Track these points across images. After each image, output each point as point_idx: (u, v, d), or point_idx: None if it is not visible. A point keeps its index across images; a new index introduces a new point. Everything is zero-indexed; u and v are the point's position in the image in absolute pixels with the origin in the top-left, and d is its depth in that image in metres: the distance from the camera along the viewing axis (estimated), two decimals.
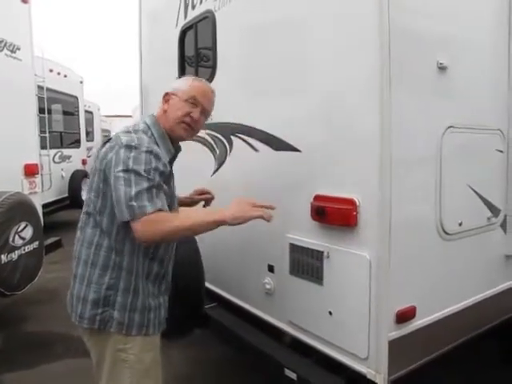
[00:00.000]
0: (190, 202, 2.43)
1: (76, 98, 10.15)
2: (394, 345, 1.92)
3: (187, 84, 2.00)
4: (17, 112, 4.67)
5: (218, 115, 2.77)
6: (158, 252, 1.92)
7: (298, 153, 2.26)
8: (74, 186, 9.40)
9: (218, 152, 2.95)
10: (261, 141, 2.51)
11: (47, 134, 7.46)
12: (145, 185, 1.68)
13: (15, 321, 4.54)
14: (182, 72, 3.36)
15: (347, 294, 2.01)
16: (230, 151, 2.82)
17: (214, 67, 2.97)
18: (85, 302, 1.81)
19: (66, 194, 9.26)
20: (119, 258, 1.82)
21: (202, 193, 2.45)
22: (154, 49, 3.99)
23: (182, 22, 3.35)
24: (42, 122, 6.69)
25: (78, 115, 10.32)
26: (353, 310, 1.99)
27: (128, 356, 1.83)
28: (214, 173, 2.98)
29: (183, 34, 3.36)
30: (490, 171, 2.48)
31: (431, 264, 2.15)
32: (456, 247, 2.25)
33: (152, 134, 1.90)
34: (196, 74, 3.13)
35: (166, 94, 2.00)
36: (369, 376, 1.91)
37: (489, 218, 2.45)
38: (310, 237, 2.19)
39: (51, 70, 8.37)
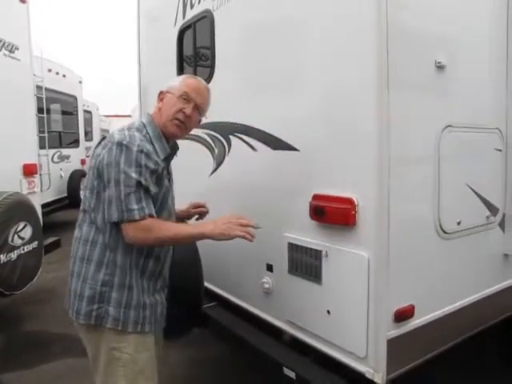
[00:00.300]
0: (186, 216, 2.42)
1: (75, 97, 10.13)
2: (392, 344, 1.92)
3: (180, 81, 2.02)
4: (16, 112, 4.67)
5: (216, 115, 2.77)
6: (153, 249, 1.94)
7: (296, 152, 2.26)
8: (73, 186, 9.38)
9: (216, 152, 2.95)
10: (259, 140, 2.51)
11: (46, 134, 7.45)
12: (133, 187, 1.73)
13: (14, 320, 4.54)
14: (181, 71, 3.36)
15: (346, 293, 2.01)
16: (229, 151, 2.81)
17: (212, 67, 2.96)
18: (81, 298, 1.84)
19: (65, 194, 9.25)
20: (113, 254, 1.85)
21: (198, 206, 2.44)
22: (152, 48, 3.99)
23: (180, 22, 3.35)
24: (40, 121, 6.69)
25: (76, 115, 10.30)
26: (351, 309, 1.99)
27: (122, 355, 1.85)
28: (213, 172, 2.98)
29: (182, 34, 3.36)
30: (489, 170, 2.48)
31: (430, 263, 2.15)
32: (454, 246, 2.25)
33: (147, 133, 1.92)
34: (195, 73, 3.13)
35: (161, 93, 2.03)
36: (367, 375, 1.91)
37: (487, 217, 2.45)
38: (309, 236, 2.19)
39: (50, 70, 8.35)
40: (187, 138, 2.96)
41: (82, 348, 2.02)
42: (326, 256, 2.09)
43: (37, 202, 4.75)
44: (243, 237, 1.82)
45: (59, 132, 9.34)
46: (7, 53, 4.48)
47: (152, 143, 1.90)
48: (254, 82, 2.63)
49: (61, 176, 9.06)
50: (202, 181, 3.04)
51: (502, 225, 2.56)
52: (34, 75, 5.51)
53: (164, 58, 3.63)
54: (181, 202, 2.29)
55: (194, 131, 2.93)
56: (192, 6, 3.17)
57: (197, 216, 2.45)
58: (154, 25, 3.90)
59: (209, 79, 2.91)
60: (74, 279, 1.88)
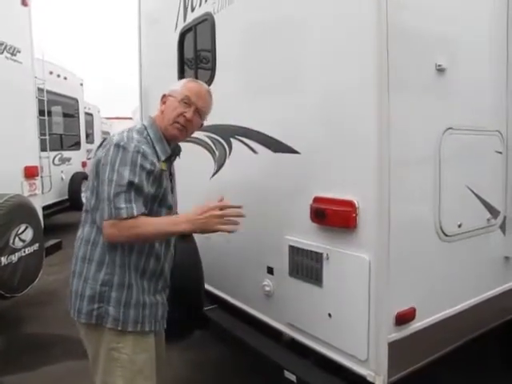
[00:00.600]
0: None
1: (76, 100, 10.14)
2: (393, 347, 1.92)
3: (182, 85, 2.04)
4: (17, 114, 4.67)
5: (217, 117, 2.77)
6: (153, 249, 1.95)
7: (296, 155, 2.26)
8: (74, 188, 9.39)
9: (217, 154, 2.95)
10: (260, 143, 2.51)
11: (47, 136, 7.46)
12: (124, 187, 1.75)
13: (15, 322, 4.54)
14: (182, 74, 3.37)
15: (347, 296, 2.01)
16: (230, 153, 2.82)
17: (213, 69, 2.97)
18: (82, 297, 1.86)
19: (66, 196, 9.26)
20: (113, 254, 1.87)
21: None
22: (153, 51, 3.99)
23: (181, 25, 3.35)
24: (42, 124, 6.69)
25: (78, 117, 10.31)
26: (352, 312, 1.99)
27: (120, 355, 1.87)
28: (214, 175, 2.98)
29: (182, 37, 3.37)
30: (489, 173, 2.49)
31: (431, 265, 2.15)
32: (455, 249, 2.25)
33: (148, 135, 1.94)
34: (195, 76, 3.14)
35: (164, 96, 2.05)
36: (368, 378, 1.91)
37: (488, 220, 2.45)
38: (310, 239, 2.19)
39: (51, 73, 8.37)
40: (189, 141, 2.96)
41: (82, 350, 2.02)
42: (327, 259, 2.09)
43: (38, 204, 4.75)
44: (224, 230, 1.83)
45: (60, 134, 9.35)
46: (9, 55, 4.49)
47: (153, 145, 1.93)
48: (255, 84, 2.63)
49: (62, 178, 9.07)
50: (203, 183, 3.04)
51: (502, 227, 2.56)
52: (36, 78, 5.53)
53: (165, 61, 3.63)
54: (182, 205, 2.29)
55: (196, 134, 2.93)
56: (193, 9, 3.18)
57: None
58: (155, 27, 3.91)
59: (209, 82, 2.92)
60: (76, 279, 1.91)
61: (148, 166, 1.82)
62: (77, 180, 9.51)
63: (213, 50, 2.96)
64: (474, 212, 2.38)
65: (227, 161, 2.86)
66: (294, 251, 2.29)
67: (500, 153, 2.52)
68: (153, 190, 1.86)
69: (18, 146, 4.62)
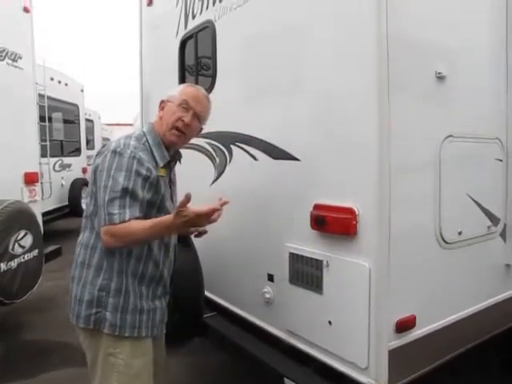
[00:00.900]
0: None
1: (77, 106, 10.16)
2: (394, 354, 1.91)
3: (180, 90, 2.05)
4: (17, 120, 4.69)
5: (218, 124, 2.78)
6: (152, 254, 1.96)
7: (297, 162, 2.27)
8: (74, 195, 9.40)
9: (217, 161, 2.95)
10: (260, 150, 2.51)
11: (48, 143, 7.47)
12: (118, 193, 1.76)
13: (14, 329, 4.52)
14: (183, 81, 3.38)
15: (347, 303, 2.01)
16: (230, 160, 2.82)
17: (214, 76, 2.98)
18: (81, 302, 1.88)
19: (66, 203, 9.25)
20: (111, 259, 1.88)
21: None
22: (154, 58, 4.01)
23: (182, 32, 3.37)
24: (42, 130, 6.70)
25: (78, 123, 10.33)
26: (352, 320, 1.98)
27: (117, 360, 1.87)
28: (214, 182, 2.98)
29: (183, 44, 3.38)
30: (489, 180, 2.49)
31: (431, 273, 2.14)
32: (456, 256, 2.25)
33: (146, 141, 1.95)
34: (196, 83, 3.14)
35: (162, 102, 2.07)
36: None
37: (488, 227, 2.45)
38: (310, 246, 2.19)
39: (52, 79, 8.40)
40: (189, 148, 2.97)
41: (82, 357, 2.02)
42: (327, 266, 2.09)
43: (38, 210, 4.74)
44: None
45: (61, 140, 9.36)
46: (10, 62, 4.50)
47: (151, 151, 1.94)
48: (255, 91, 2.64)
49: (62, 184, 9.07)
50: (203, 190, 3.04)
51: (503, 235, 2.56)
52: (37, 84, 5.54)
53: (166, 67, 3.64)
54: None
55: (196, 141, 2.95)
56: (194, 17, 3.20)
57: (195, 233, 2.45)
58: (156, 34, 3.93)
59: (210, 89, 2.92)
60: (75, 284, 1.93)
61: (144, 171, 1.83)
62: (77, 186, 9.51)
63: (213, 57, 2.97)
64: (474, 219, 2.38)
65: (227, 167, 2.86)
66: (295, 258, 2.29)
67: (500, 160, 2.52)
68: (149, 196, 1.87)
69: (18, 152, 4.63)
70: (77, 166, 9.98)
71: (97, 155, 1.96)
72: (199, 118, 2.03)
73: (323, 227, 2.08)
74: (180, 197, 2.21)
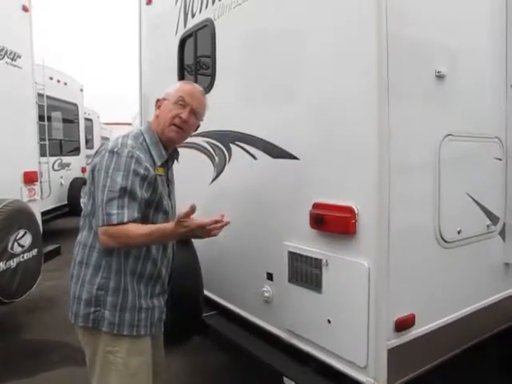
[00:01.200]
0: None
1: (76, 105, 10.16)
2: (393, 353, 1.91)
3: (175, 88, 2.06)
4: (17, 119, 4.68)
5: (217, 123, 2.78)
6: (150, 253, 1.96)
7: (296, 161, 2.27)
8: (73, 194, 9.39)
9: (217, 160, 2.95)
10: (259, 149, 2.51)
11: (47, 142, 7.47)
12: (116, 193, 1.76)
13: (13, 329, 4.51)
14: (182, 80, 3.37)
15: (346, 302, 2.01)
16: (229, 159, 2.82)
17: (213, 75, 2.98)
18: (79, 300, 1.88)
19: (65, 202, 9.26)
20: (109, 258, 1.88)
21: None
22: (153, 57, 4.01)
23: (181, 31, 3.37)
24: (41, 129, 6.70)
25: (77, 123, 10.33)
26: (352, 319, 1.98)
27: (115, 359, 1.88)
28: (213, 181, 2.98)
29: (183, 43, 3.38)
30: (489, 179, 2.48)
31: (430, 272, 2.14)
32: (455, 255, 2.25)
33: (144, 140, 1.96)
34: (195, 81, 3.14)
35: (158, 100, 2.08)
36: None
37: (488, 226, 2.44)
38: (309, 245, 2.19)
39: (51, 78, 8.39)
40: (188, 147, 2.97)
41: (81, 357, 2.02)
42: (326, 265, 2.09)
43: (37, 209, 4.75)
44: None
45: (60, 140, 9.36)
46: (9, 61, 4.50)
47: (149, 150, 1.94)
48: (255, 90, 2.64)
49: (61, 184, 9.07)
50: (203, 189, 3.04)
51: (502, 234, 2.56)
52: (36, 83, 5.53)
53: (165, 67, 3.64)
54: (181, 211, 2.29)
55: (195, 140, 2.95)
56: (193, 15, 3.20)
57: None
58: (156, 33, 3.93)
59: (209, 88, 2.92)
60: (74, 283, 1.93)
61: (142, 171, 1.83)
62: (76, 185, 9.51)
63: (213, 56, 2.97)
64: (473, 218, 2.37)
65: (227, 166, 2.86)
66: (294, 257, 2.29)
67: (499, 159, 2.52)
68: (147, 195, 1.87)
69: (17, 151, 4.63)
70: (76, 165, 9.98)
71: (95, 154, 1.96)
72: (196, 114, 2.04)
73: (322, 226, 2.08)
74: (179, 197, 2.24)
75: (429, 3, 2.09)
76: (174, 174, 2.21)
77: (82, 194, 9.18)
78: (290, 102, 2.33)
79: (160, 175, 1.96)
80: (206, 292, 2.93)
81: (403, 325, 1.97)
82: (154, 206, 1.93)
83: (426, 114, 2.09)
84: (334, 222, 2.02)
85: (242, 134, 2.67)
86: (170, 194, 2.11)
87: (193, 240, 2.64)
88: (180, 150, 2.18)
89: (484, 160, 2.46)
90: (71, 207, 9.29)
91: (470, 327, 2.34)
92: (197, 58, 3.26)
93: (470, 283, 2.37)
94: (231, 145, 2.78)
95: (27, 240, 4.03)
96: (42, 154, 6.86)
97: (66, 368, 3.64)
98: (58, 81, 8.98)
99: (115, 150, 1.83)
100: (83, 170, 10.28)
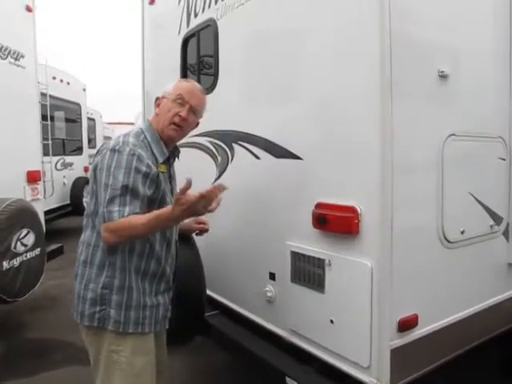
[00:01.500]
0: (187, 229, 2.41)
1: (79, 105, 10.18)
2: (396, 353, 1.90)
3: (174, 86, 2.07)
4: (20, 119, 4.70)
5: (219, 123, 2.78)
6: (153, 251, 1.97)
7: (299, 160, 2.26)
8: (76, 193, 9.41)
9: (219, 159, 2.95)
10: (262, 148, 2.51)
11: (50, 141, 7.47)
12: (118, 190, 1.76)
13: (16, 328, 4.53)
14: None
15: (349, 302, 2.00)
16: (232, 159, 2.82)
17: (216, 75, 2.98)
18: (84, 300, 1.89)
19: (68, 201, 9.28)
20: (113, 257, 1.89)
21: (200, 222, 2.42)
22: (156, 56, 4.01)
23: (184, 30, 3.37)
24: (44, 129, 6.73)
25: (80, 122, 10.34)
26: (354, 319, 1.98)
27: (120, 358, 1.88)
28: (216, 180, 2.98)
29: (186, 42, 3.38)
30: (492, 179, 2.48)
31: (433, 272, 2.14)
32: (458, 255, 2.24)
33: (145, 138, 1.97)
34: (198, 81, 3.14)
35: (157, 99, 2.09)
36: None
37: (491, 226, 2.44)
38: (312, 245, 2.19)
39: (54, 78, 8.41)
40: (191, 146, 2.97)
41: (84, 356, 2.02)
42: (329, 265, 2.09)
43: (40, 208, 4.75)
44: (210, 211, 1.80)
45: (63, 139, 9.37)
46: (13, 61, 4.51)
47: (150, 148, 1.95)
48: (257, 90, 2.63)
49: (64, 183, 9.09)
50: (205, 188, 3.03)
51: (506, 234, 2.55)
52: (39, 83, 5.54)
53: (168, 66, 3.64)
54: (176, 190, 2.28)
55: (198, 139, 2.95)
56: (196, 15, 3.20)
57: (197, 232, 2.46)
58: (159, 33, 3.93)
59: (212, 88, 2.92)
60: (78, 282, 1.93)
61: (144, 168, 1.83)
62: (79, 185, 9.53)
63: (216, 56, 2.97)
64: (476, 218, 2.37)
65: (229, 166, 2.86)
66: (296, 257, 2.28)
67: (503, 159, 2.51)
68: (150, 192, 1.87)
69: (20, 151, 4.64)
70: (79, 164, 10.00)
71: (96, 153, 1.96)
72: (195, 111, 2.05)
73: (325, 226, 2.08)
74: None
75: (432, 1, 2.09)
76: (177, 174, 2.21)
77: (85, 194, 9.19)
78: (293, 102, 2.33)
79: (162, 172, 1.98)
80: (208, 291, 2.93)
81: (406, 325, 1.97)
82: (157, 202, 1.94)
83: (429, 114, 2.09)
84: (336, 222, 2.02)
85: (244, 133, 2.67)
86: (173, 191, 2.12)
87: (195, 240, 2.64)
88: (182, 149, 2.18)
89: (487, 160, 2.45)
90: (74, 206, 9.31)
91: (474, 328, 2.33)
92: (200, 57, 3.26)
93: (474, 283, 2.36)
94: (234, 144, 2.78)
95: (30, 239, 4.03)
96: (45, 154, 6.86)
97: (69, 367, 3.65)
98: (61, 80, 9.00)
99: (116, 148, 1.84)
100: (86, 169, 10.30)
